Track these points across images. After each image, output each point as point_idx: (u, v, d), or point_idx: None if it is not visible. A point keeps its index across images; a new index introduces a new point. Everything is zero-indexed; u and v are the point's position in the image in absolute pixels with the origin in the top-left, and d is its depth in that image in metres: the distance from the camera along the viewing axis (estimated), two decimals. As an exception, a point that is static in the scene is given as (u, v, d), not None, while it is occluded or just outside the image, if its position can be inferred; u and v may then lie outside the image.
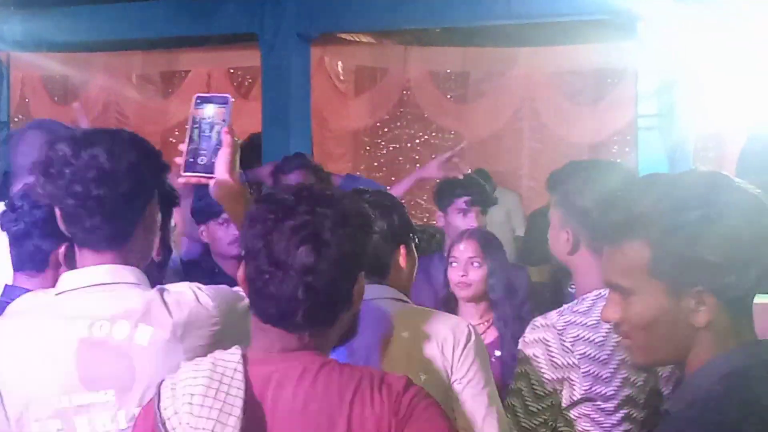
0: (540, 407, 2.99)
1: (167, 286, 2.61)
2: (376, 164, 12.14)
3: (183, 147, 2.83)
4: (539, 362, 2.99)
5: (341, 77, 11.46)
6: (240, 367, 2.19)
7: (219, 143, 2.80)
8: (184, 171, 2.83)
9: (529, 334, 3.05)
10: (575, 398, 3.00)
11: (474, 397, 2.98)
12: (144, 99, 11.81)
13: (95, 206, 2.55)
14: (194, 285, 2.61)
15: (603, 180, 3.12)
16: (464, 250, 4.70)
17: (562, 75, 10.93)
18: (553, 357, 2.98)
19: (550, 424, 3.04)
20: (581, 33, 9.54)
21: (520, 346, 3.06)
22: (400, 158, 12.00)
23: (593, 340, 2.99)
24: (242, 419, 2.12)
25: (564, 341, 2.99)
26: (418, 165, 11.88)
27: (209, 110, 2.84)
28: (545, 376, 2.98)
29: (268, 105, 8.88)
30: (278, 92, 8.80)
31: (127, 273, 2.57)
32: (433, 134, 11.88)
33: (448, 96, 11.52)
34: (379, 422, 2.13)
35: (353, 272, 2.26)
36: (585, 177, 3.14)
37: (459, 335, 3.02)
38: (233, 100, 2.88)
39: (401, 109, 11.80)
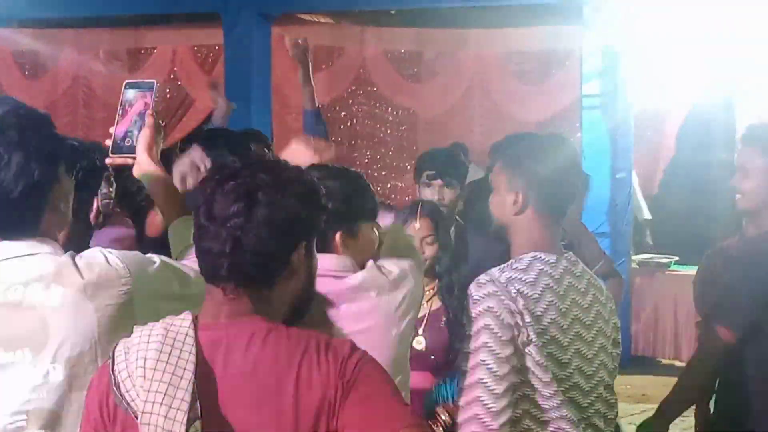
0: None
1: (81, 253, 2.61)
2: (333, 139, 12.09)
3: (112, 130, 2.83)
4: (495, 312, 2.95)
5: (301, 55, 11.38)
6: (191, 332, 2.16)
7: (144, 126, 2.81)
8: (111, 152, 2.84)
9: (477, 291, 3.00)
10: (531, 341, 2.97)
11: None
12: (111, 74, 11.70)
13: None
14: (106, 250, 2.61)
15: (546, 146, 3.15)
16: (420, 229, 4.68)
17: (510, 56, 10.95)
18: (505, 304, 2.95)
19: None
20: (530, 16, 9.55)
21: (472, 307, 3.01)
22: (359, 133, 11.98)
23: (531, 296, 2.99)
24: (193, 382, 2.09)
25: (510, 292, 2.97)
26: (375, 140, 11.88)
27: (136, 95, 2.85)
28: (505, 329, 2.95)
29: (230, 81, 8.85)
30: (240, 69, 8.79)
31: (42, 245, 2.57)
32: (388, 110, 11.87)
33: (402, 74, 11.50)
34: (325, 384, 2.11)
35: (289, 238, 2.22)
36: (530, 143, 3.19)
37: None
38: (158, 85, 2.88)
39: (357, 87, 11.76)
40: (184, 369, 2.10)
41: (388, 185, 12.00)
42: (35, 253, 2.54)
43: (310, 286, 2.34)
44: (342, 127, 11.95)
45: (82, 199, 3.05)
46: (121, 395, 2.12)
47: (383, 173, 12.09)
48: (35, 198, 2.55)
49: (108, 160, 2.87)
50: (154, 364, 2.10)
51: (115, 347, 2.19)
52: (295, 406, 2.11)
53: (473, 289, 2.99)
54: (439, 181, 5.26)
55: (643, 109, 9.89)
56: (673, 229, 10.85)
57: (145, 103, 2.84)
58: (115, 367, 2.15)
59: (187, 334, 2.15)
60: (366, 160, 11.96)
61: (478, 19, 10.07)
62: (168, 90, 11.69)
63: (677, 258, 9.96)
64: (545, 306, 2.98)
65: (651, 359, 9.87)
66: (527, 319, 2.93)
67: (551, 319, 2.99)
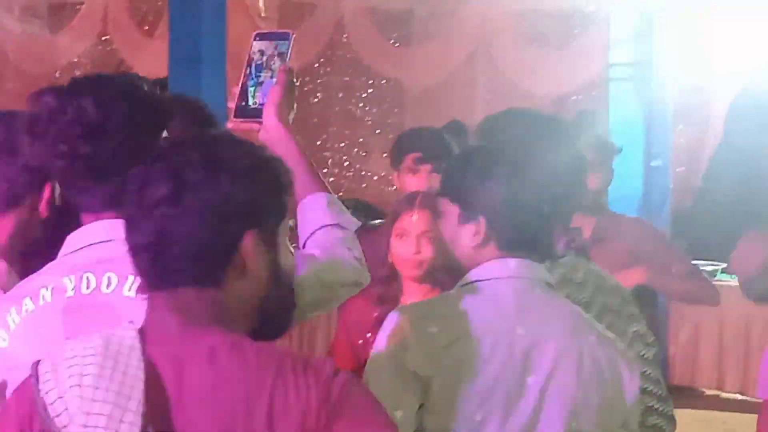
0: None
1: None
2: (301, 116, 12.07)
3: (236, 90, 2.90)
4: None
5: (262, 13, 11.37)
6: (137, 345, 2.17)
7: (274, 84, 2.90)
8: (235, 116, 2.92)
9: None
10: None
11: None
12: (28, 35, 11.66)
13: (84, 166, 2.60)
14: None
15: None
16: (417, 223, 4.63)
17: (522, 15, 10.97)
18: None
19: None
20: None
21: None
22: (335, 110, 11.97)
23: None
24: (143, 403, 2.11)
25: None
26: (352, 118, 11.85)
27: (266, 48, 2.93)
28: None
29: (175, 45, 8.84)
30: (188, 30, 8.75)
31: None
32: (371, 82, 11.85)
33: (389, 38, 11.50)
34: (305, 410, 2.12)
35: (228, 226, 2.25)
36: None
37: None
38: (294, 35, 2.95)
39: (331, 53, 11.76)
40: (132, 387, 2.12)
41: (368, 174, 12.00)
42: (114, 239, 2.58)
43: (280, 288, 2.38)
44: (314, 100, 11.96)
45: None
46: (50, 420, 2.15)
47: (362, 158, 12.09)
48: (131, 162, 2.50)
49: (230, 124, 2.95)
50: (94, 382, 2.12)
51: (38, 364, 2.22)
52: (269, 435, 2.14)
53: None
54: (427, 166, 5.25)
55: (685, 83, 9.90)
56: (718, 229, 10.85)
57: (278, 57, 2.92)
58: (42, 386, 2.17)
59: (132, 347, 2.17)
60: (342, 144, 11.98)
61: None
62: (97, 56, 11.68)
63: (724, 265, 9.99)
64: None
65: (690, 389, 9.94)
66: None
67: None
